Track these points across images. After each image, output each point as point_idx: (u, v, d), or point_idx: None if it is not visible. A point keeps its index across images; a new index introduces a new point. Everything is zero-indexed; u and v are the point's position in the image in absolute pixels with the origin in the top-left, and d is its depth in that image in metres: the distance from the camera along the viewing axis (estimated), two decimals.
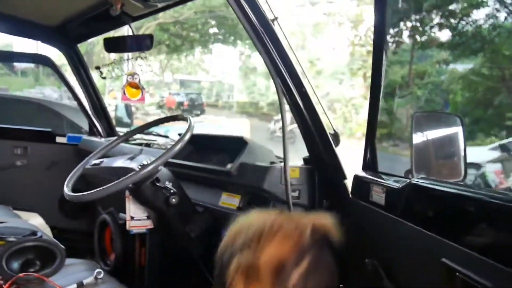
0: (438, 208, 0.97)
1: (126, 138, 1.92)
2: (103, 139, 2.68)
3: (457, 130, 1.25)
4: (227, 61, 18.69)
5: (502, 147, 6.46)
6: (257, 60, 17.39)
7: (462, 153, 1.23)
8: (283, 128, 1.42)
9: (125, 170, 1.48)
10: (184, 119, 1.60)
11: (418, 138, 1.27)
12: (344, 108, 15.28)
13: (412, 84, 10.76)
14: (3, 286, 1.27)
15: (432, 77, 10.82)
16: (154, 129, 2.62)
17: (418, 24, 9.87)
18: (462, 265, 0.81)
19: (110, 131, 2.85)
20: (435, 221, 0.95)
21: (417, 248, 1.00)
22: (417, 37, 10.25)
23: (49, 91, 13.30)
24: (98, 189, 1.37)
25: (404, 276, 1.07)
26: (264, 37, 1.39)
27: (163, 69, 18.13)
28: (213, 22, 15.19)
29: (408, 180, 1.10)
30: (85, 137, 2.82)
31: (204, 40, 16.13)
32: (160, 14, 13.25)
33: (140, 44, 1.97)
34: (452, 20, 9.34)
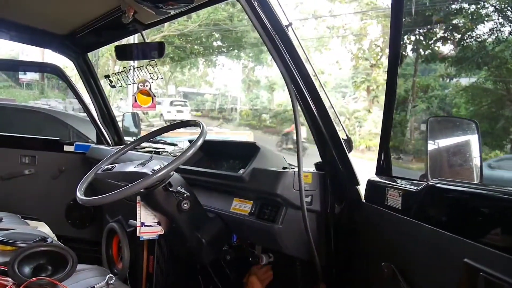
0: (460, 208, 0.96)
1: (140, 143, 1.92)
2: (111, 148, 2.68)
3: (473, 135, 1.25)
4: (231, 74, 18.83)
5: None
6: (260, 73, 17.52)
7: (478, 158, 1.22)
8: (296, 133, 1.42)
9: (138, 175, 1.47)
10: (197, 124, 1.60)
11: (433, 143, 1.26)
12: (347, 121, 15.32)
13: (416, 97, 10.79)
14: None
15: (436, 90, 10.85)
16: (161, 138, 2.62)
17: (422, 38, 9.94)
18: (486, 265, 0.79)
19: (118, 140, 2.85)
20: (456, 222, 0.94)
21: (437, 249, 0.98)
22: (421, 50, 10.30)
23: (54, 103, 13.41)
24: (112, 192, 1.36)
25: (423, 279, 1.05)
26: (278, 42, 1.40)
27: (167, 82, 18.24)
28: (217, 35, 15.33)
29: (426, 183, 1.09)
30: (93, 145, 2.82)
31: (208, 53, 16.27)
32: (166, 26, 13.41)
33: (152, 51, 1.96)
34: (456, 35, 9.40)
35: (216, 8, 14.00)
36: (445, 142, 1.29)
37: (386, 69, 1.33)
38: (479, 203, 0.92)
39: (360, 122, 14.48)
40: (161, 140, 2.58)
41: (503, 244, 0.80)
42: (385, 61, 14.43)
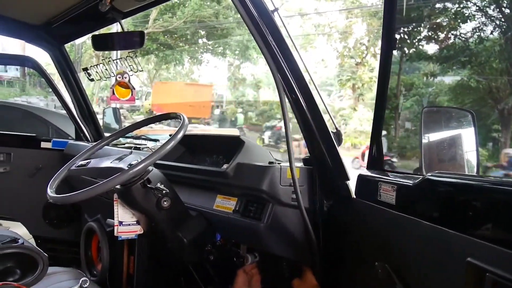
0: (461, 203, 0.89)
1: (118, 137, 1.82)
2: (90, 144, 2.57)
3: (469, 125, 1.19)
4: (216, 72, 18.72)
5: None
6: (246, 71, 17.43)
7: (475, 150, 1.16)
8: (285, 127, 1.34)
9: (114, 170, 1.37)
10: (177, 117, 1.50)
11: (428, 134, 1.20)
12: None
13: (400, 95, 10.85)
14: None
15: (420, 88, 10.94)
16: (143, 134, 2.53)
17: (406, 36, 9.98)
18: (492, 264, 0.72)
19: (97, 136, 2.74)
20: (458, 218, 0.87)
21: (436, 248, 0.91)
22: (405, 49, 10.35)
23: (35, 100, 13.12)
24: (85, 189, 1.26)
25: (420, 279, 0.98)
26: (264, 29, 1.31)
27: (152, 79, 18.00)
28: (202, 32, 15.17)
29: (422, 176, 1.01)
30: (71, 141, 2.70)
31: (193, 50, 16.11)
32: (150, 23, 13.21)
33: (131, 41, 1.87)
34: (440, 34, 9.47)
35: (201, 5, 13.86)
36: (440, 134, 1.22)
37: (378, 64, 1.27)
38: (481, 196, 0.85)
39: (346, 120, 14.48)
40: (143, 136, 2.49)
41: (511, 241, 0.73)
42: (370, 59, 14.52)
